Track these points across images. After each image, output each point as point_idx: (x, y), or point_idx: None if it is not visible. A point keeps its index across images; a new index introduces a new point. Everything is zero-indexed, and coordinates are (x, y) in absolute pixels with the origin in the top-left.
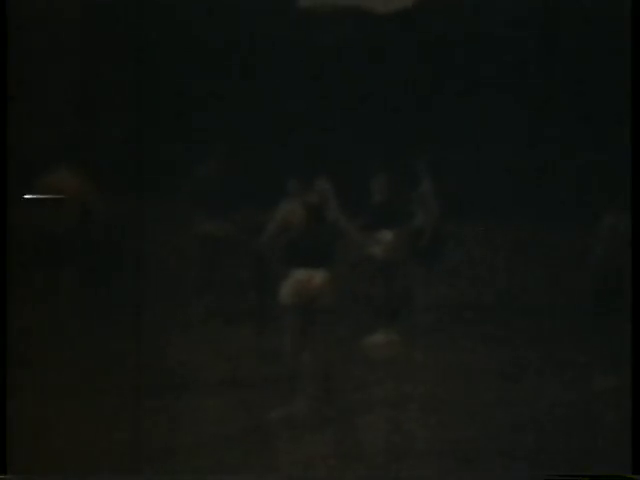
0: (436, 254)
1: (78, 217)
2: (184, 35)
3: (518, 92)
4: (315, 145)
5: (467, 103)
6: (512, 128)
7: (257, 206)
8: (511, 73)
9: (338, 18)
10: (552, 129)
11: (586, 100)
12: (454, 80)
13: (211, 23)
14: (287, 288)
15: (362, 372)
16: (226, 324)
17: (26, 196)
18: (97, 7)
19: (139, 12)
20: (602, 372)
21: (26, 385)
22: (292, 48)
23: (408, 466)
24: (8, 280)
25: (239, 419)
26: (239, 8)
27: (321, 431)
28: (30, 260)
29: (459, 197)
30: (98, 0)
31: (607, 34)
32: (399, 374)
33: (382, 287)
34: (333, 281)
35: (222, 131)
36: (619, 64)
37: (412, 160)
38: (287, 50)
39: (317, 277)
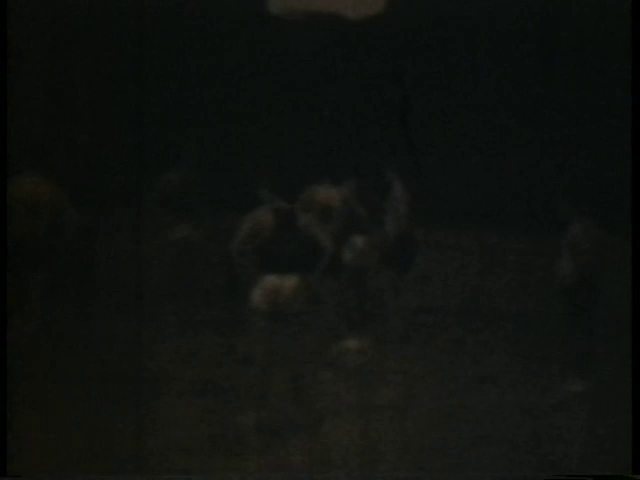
0: (406, 260)
1: (49, 225)
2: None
3: (498, 99)
4: (287, 151)
5: (442, 110)
6: (487, 135)
7: (228, 212)
8: (488, 79)
9: (311, 24)
10: (534, 134)
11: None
12: (427, 87)
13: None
14: (258, 294)
15: (332, 378)
16: (196, 330)
17: None
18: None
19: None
20: (574, 375)
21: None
22: (264, 55)
23: (378, 471)
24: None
25: (209, 425)
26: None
27: (291, 436)
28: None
29: (429, 203)
30: None
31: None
32: (369, 380)
33: (353, 293)
34: (304, 287)
35: (193, 137)
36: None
37: (383, 166)
38: (260, 56)
39: (288, 283)
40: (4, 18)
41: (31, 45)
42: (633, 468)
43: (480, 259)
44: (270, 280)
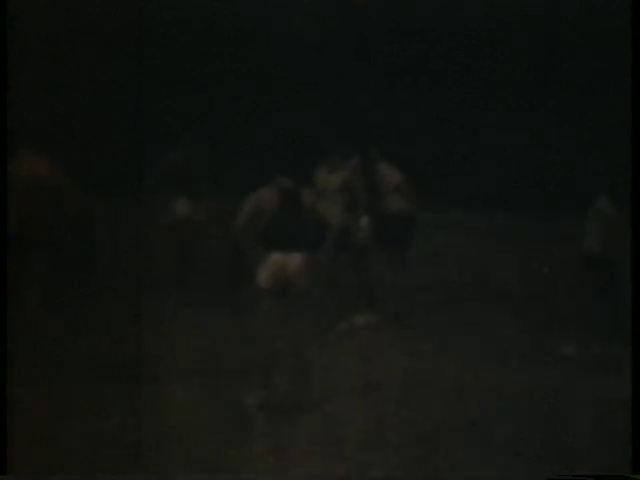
0: (413, 239)
1: (51, 205)
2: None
3: (504, 85)
4: (293, 129)
5: (446, 94)
6: (497, 117)
7: (233, 191)
8: (502, 65)
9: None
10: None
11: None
12: (437, 69)
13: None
14: (263, 273)
15: (337, 356)
16: (201, 309)
17: None
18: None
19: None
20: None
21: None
22: (269, 31)
23: (382, 450)
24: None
25: (214, 405)
26: None
27: (297, 415)
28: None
29: (439, 183)
30: None
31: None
32: (374, 359)
33: (358, 272)
34: (309, 266)
35: (196, 116)
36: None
37: (391, 147)
38: (265, 33)
39: (293, 262)
40: (4, 16)
41: (33, 23)
42: (633, 468)
43: (491, 238)
44: (275, 259)
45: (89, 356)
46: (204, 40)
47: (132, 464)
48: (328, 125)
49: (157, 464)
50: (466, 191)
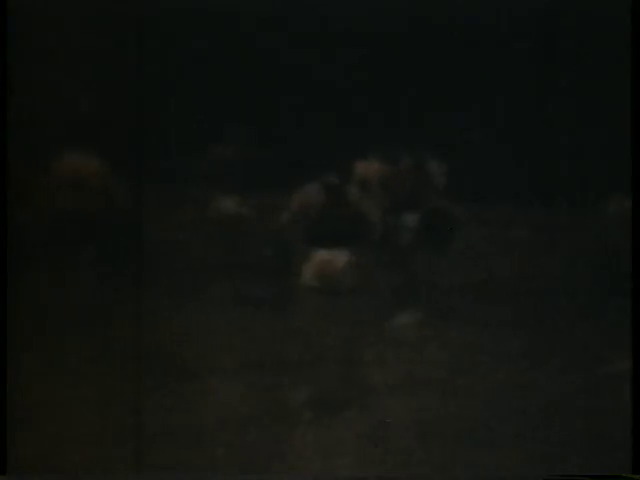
0: (456, 237)
1: (92, 200)
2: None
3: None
4: (337, 125)
5: (480, 85)
6: (528, 111)
7: (278, 187)
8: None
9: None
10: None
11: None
12: (486, 68)
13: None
14: (308, 270)
15: (383, 353)
16: (247, 307)
17: None
18: None
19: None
20: (619, 357)
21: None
22: (309, 25)
23: (430, 449)
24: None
25: (261, 402)
26: None
27: (342, 412)
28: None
29: (477, 181)
30: None
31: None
32: (422, 356)
33: (403, 269)
34: (354, 263)
35: (240, 109)
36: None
37: (430, 143)
38: (302, 32)
39: (338, 259)
40: (4, 16)
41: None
42: (633, 468)
43: (528, 235)
44: (320, 256)
45: (134, 350)
46: (245, 38)
47: (176, 458)
48: (374, 122)
49: (197, 458)
50: (512, 187)
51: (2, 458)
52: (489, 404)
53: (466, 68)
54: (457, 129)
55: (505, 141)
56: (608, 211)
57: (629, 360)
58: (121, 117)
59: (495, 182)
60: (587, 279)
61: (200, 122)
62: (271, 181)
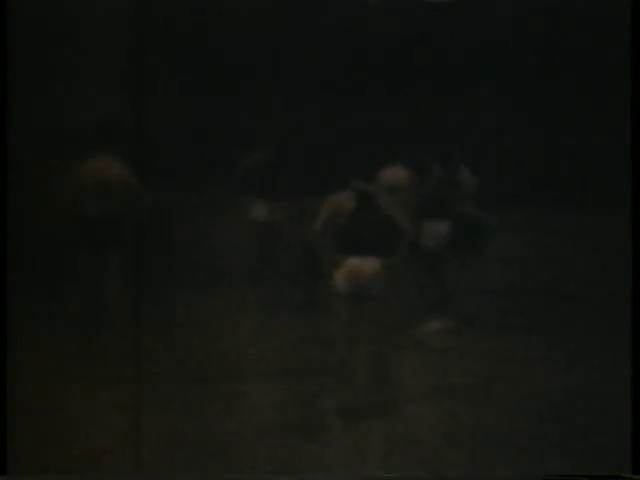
0: (486, 242)
1: (126, 204)
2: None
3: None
4: (369, 133)
5: (502, 96)
6: (550, 117)
7: (309, 194)
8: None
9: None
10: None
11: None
12: (508, 73)
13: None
14: (339, 276)
15: (413, 360)
16: (277, 312)
17: None
18: None
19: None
20: None
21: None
22: (344, 33)
23: (459, 455)
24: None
25: (291, 407)
26: None
27: (372, 418)
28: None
29: (506, 186)
30: None
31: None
32: (449, 362)
33: (433, 275)
34: (385, 269)
35: (272, 117)
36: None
37: (460, 152)
38: (339, 35)
39: (369, 265)
40: (4, 17)
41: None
42: (633, 468)
43: (559, 240)
44: (350, 262)
45: (169, 352)
46: (276, 43)
47: (206, 463)
48: (405, 129)
49: (228, 463)
50: (540, 193)
51: (2, 458)
52: (518, 410)
53: (477, 73)
54: (485, 135)
55: (535, 145)
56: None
57: None
58: (153, 123)
59: (525, 188)
60: (619, 285)
61: (234, 129)
62: (302, 188)
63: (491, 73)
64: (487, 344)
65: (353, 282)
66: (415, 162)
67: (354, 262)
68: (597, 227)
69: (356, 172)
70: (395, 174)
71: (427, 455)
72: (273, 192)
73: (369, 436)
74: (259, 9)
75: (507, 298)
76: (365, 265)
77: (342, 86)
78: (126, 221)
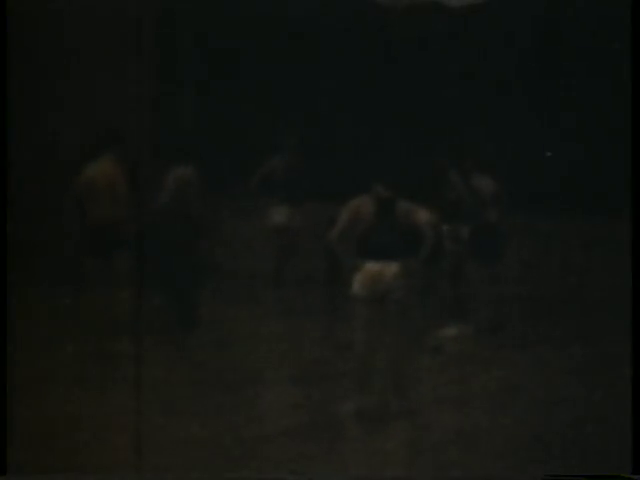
0: (505, 248)
1: (146, 209)
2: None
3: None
4: (387, 139)
5: (523, 103)
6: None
7: (329, 198)
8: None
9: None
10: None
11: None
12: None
13: None
14: (358, 281)
15: (432, 365)
16: (296, 316)
17: None
18: None
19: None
20: None
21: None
22: (369, 41)
23: (476, 460)
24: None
25: (309, 412)
26: None
27: (391, 424)
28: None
29: (527, 191)
30: None
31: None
32: (468, 368)
33: (452, 281)
34: (404, 274)
35: (291, 123)
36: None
37: (481, 158)
38: (364, 43)
39: (388, 270)
40: (4, 17)
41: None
42: (633, 468)
43: (579, 246)
44: (371, 267)
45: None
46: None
47: (223, 465)
48: (425, 135)
49: (248, 466)
50: (564, 201)
51: (2, 458)
52: (541, 418)
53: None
54: (499, 143)
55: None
56: None
57: None
58: (177, 130)
59: (544, 195)
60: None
61: (253, 135)
62: (322, 193)
63: (515, 81)
64: (506, 350)
65: (373, 287)
66: (436, 168)
67: (374, 267)
68: (616, 235)
69: (377, 177)
70: (415, 180)
71: (445, 460)
72: (293, 197)
73: (387, 441)
74: (280, 13)
75: (527, 305)
76: (385, 270)
77: (368, 92)
78: (133, 223)
